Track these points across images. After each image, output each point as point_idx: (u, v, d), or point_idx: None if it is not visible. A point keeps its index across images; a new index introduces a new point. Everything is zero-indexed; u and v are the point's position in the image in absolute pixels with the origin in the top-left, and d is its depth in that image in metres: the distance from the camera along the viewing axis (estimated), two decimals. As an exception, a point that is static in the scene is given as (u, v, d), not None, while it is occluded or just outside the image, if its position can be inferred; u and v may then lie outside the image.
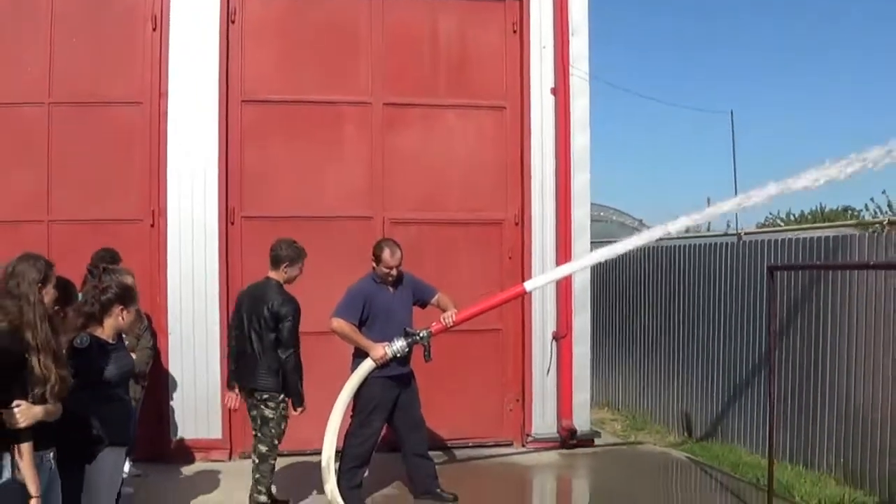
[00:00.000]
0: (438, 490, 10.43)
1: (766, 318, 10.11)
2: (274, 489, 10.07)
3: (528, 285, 10.89)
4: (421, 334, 9.95)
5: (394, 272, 10.06)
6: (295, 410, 9.64)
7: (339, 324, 9.93)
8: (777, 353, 11.57)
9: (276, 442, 9.74)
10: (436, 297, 10.45)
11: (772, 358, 10.09)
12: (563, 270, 11.78)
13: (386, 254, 10.03)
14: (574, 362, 13.20)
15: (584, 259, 12.02)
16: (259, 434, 9.77)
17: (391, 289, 10.19)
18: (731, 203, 10.25)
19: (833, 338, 11.47)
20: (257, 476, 9.79)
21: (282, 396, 9.63)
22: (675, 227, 9.86)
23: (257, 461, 9.81)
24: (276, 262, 9.88)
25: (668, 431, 15.01)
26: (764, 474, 10.14)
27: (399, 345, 9.85)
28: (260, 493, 9.77)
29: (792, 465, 11.93)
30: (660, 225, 10.07)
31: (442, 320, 10.08)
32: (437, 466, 10.74)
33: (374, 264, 10.13)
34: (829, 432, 11.51)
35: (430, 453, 10.76)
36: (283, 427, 9.73)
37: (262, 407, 9.66)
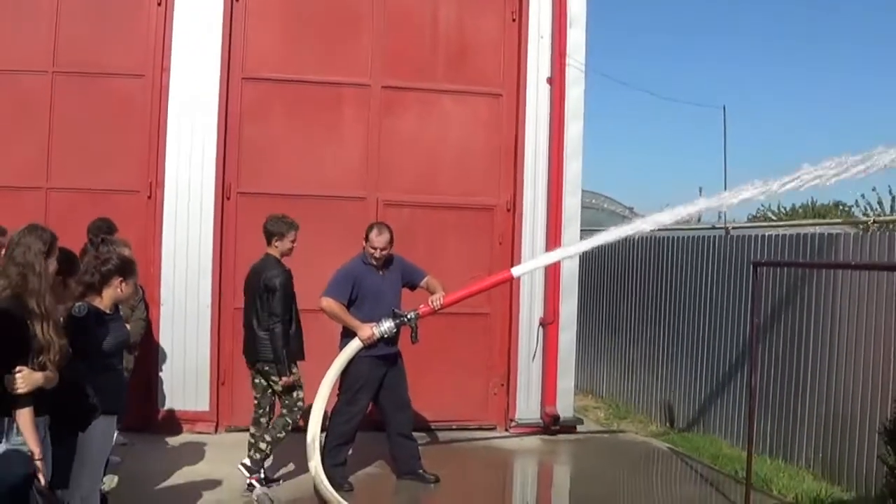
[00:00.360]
0: (421, 471, 10.55)
1: (751, 312, 10.23)
2: (269, 462, 10.21)
3: (515, 271, 11.01)
4: (408, 316, 10.05)
5: (378, 253, 10.16)
6: (279, 380, 9.77)
7: (328, 303, 10.07)
8: (760, 348, 11.73)
9: (288, 409, 9.96)
10: (425, 279, 10.55)
11: (753, 352, 10.20)
12: (551, 257, 11.93)
13: (373, 233, 10.18)
14: (560, 349, 13.32)
15: (572, 247, 12.17)
16: (282, 407, 10.03)
17: (380, 271, 10.30)
18: (717, 199, 10.42)
19: (816, 335, 11.60)
20: (261, 444, 9.96)
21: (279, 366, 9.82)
22: (663, 219, 10.01)
23: (268, 428, 10.03)
24: (267, 238, 10.08)
25: (650, 421, 15.15)
26: (743, 467, 10.24)
27: (387, 325, 9.96)
28: (257, 455, 9.96)
29: (771, 458, 12.06)
30: (648, 216, 10.22)
31: (430, 303, 10.19)
32: (420, 447, 10.85)
33: (364, 244, 10.28)
34: (809, 427, 11.64)
35: (415, 434, 10.88)
36: (295, 395, 9.94)
37: (269, 378, 9.93)
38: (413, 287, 10.63)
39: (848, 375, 11.06)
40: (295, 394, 9.93)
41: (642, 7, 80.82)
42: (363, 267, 10.27)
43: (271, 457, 10.18)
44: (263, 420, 10.15)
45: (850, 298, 11.12)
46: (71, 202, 12.00)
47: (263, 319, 9.81)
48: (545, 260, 12.02)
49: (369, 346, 9.99)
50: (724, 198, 10.36)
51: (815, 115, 74.76)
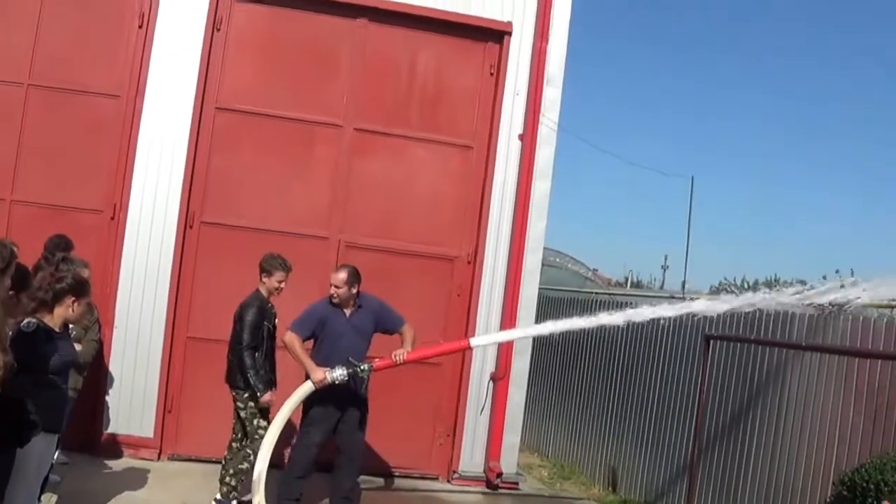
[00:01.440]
0: None
1: (701, 383, 10.29)
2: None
3: (472, 341, 11.08)
4: (362, 367, 10.02)
5: (334, 291, 10.19)
6: (244, 406, 10.09)
7: (290, 338, 10.10)
8: (707, 420, 11.79)
9: (250, 438, 10.15)
10: (402, 328, 10.57)
11: (698, 423, 10.29)
12: (510, 335, 12.10)
13: (333, 272, 10.35)
14: (508, 405, 13.32)
15: (533, 328, 12.29)
16: (245, 437, 10.30)
17: (347, 312, 10.32)
18: (678, 307, 10.54)
19: (763, 412, 11.65)
20: (227, 478, 10.28)
21: (247, 394, 10.05)
22: (624, 317, 10.11)
23: (229, 458, 10.30)
24: (259, 273, 10.36)
25: (593, 484, 15.14)
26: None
27: (338, 373, 9.92)
28: (224, 487, 10.26)
29: (710, 531, 12.14)
30: (615, 313, 10.28)
31: (392, 356, 10.17)
32: (361, 492, 10.87)
33: None
34: (749, 501, 11.68)
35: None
36: (255, 423, 10.12)
37: (237, 404, 10.23)
38: (390, 333, 10.64)
39: (791, 453, 11.12)
40: (255, 422, 10.07)
41: (617, 76, 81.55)
42: (329, 308, 10.30)
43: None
44: (235, 445, 10.38)
45: (801, 378, 11.19)
46: (34, 216, 11.97)
47: (234, 347, 10.11)
48: (505, 336, 12.16)
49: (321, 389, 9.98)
50: (681, 307, 10.51)
51: (783, 190, 75.57)
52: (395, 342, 10.44)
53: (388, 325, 10.59)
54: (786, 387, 11.40)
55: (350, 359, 10.05)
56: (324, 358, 10.06)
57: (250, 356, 10.00)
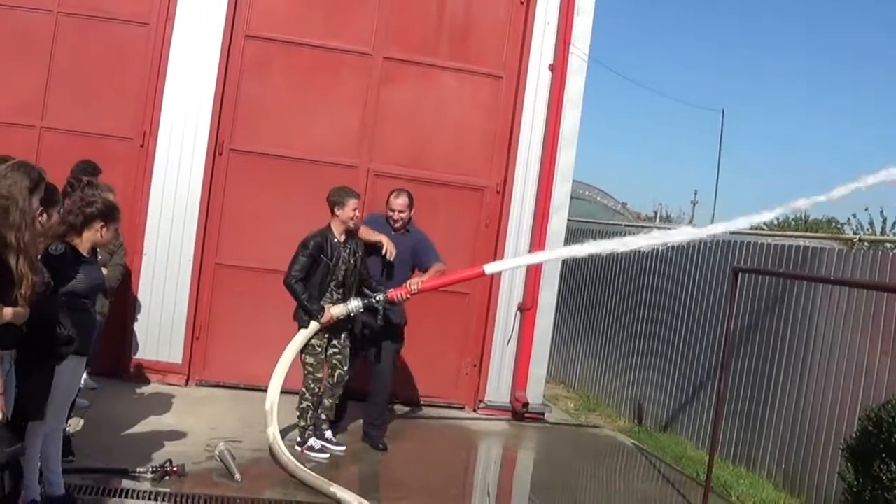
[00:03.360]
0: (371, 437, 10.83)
1: (728, 318, 10.26)
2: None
3: (487, 268, 10.98)
4: (377, 297, 10.16)
5: (400, 216, 10.84)
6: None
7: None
8: (734, 355, 11.78)
9: (307, 373, 10.20)
10: (437, 265, 10.77)
11: (725, 356, 10.24)
12: (527, 259, 12.02)
13: (391, 196, 10.96)
14: (535, 336, 13.33)
15: (547, 252, 12.24)
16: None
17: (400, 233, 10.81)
18: (707, 230, 10.56)
19: (790, 347, 11.66)
20: (297, 419, 10.35)
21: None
22: (650, 242, 10.11)
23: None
24: (331, 207, 10.37)
25: (618, 416, 15.21)
26: (705, 470, 10.31)
27: (354, 304, 10.10)
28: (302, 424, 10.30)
29: (734, 464, 12.17)
30: (639, 236, 10.28)
31: (407, 286, 10.27)
32: (387, 420, 11.02)
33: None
34: (774, 437, 11.71)
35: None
36: (309, 359, 10.17)
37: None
38: (423, 269, 10.78)
39: (818, 390, 11.13)
40: (302, 357, 10.16)
41: (650, 5, 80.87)
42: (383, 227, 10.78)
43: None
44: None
45: (828, 314, 11.17)
46: (64, 143, 11.97)
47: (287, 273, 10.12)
48: (520, 261, 12.11)
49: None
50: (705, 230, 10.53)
51: (813, 127, 75.09)
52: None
53: (424, 257, 10.80)
54: (813, 322, 11.38)
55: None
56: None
57: (295, 286, 9.98)
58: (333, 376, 10.29)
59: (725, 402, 11.34)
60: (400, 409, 12.84)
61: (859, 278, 10.76)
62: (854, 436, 9.24)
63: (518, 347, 13.31)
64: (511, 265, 12.14)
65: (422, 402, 13.21)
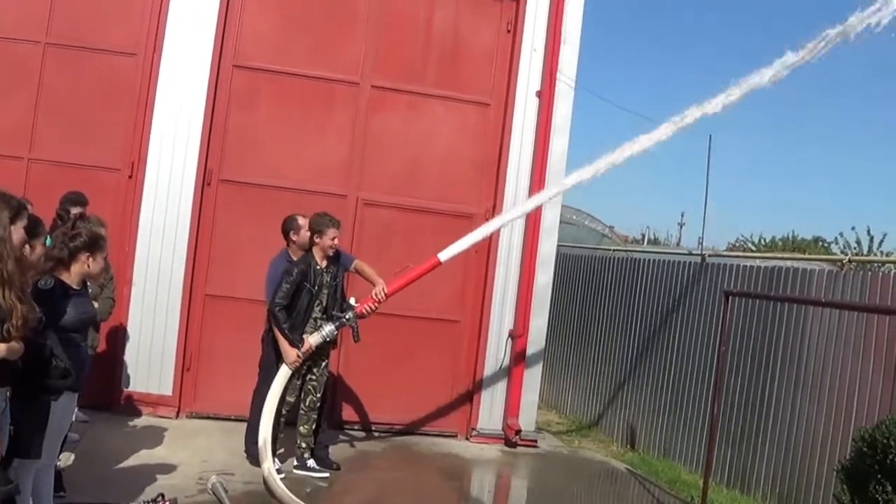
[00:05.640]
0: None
1: (720, 341, 10.27)
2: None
3: (441, 256, 11.01)
4: (347, 316, 10.26)
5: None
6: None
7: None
8: (726, 377, 11.76)
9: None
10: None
11: (718, 380, 10.25)
12: (475, 236, 11.77)
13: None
14: (527, 362, 13.33)
15: (490, 224, 12.03)
16: None
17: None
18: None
19: (782, 369, 11.64)
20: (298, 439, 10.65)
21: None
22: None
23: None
24: (311, 235, 10.52)
25: (611, 441, 15.16)
26: (699, 494, 10.28)
27: (328, 329, 10.21)
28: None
29: (728, 488, 12.11)
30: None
31: (374, 295, 10.39)
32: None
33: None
34: (768, 460, 11.67)
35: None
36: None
37: None
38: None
39: (811, 412, 11.11)
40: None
41: (637, 32, 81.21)
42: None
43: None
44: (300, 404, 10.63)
45: (819, 335, 11.17)
46: (52, 174, 11.94)
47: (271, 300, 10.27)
48: (471, 239, 11.89)
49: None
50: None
51: (800, 153, 75.37)
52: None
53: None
54: (804, 344, 11.38)
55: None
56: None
57: (275, 314, 10.11)
58: (306, 402, 10.47)
59: (719, 426, 11.33)
60: (392, 437, 12.80)
61: (849, 299, 10.77)
62: (848, 457, 9.22)
63: (510, 374, 13.30)
64: (465, 244, 11.86)
65: (414, 431, 13.15)
